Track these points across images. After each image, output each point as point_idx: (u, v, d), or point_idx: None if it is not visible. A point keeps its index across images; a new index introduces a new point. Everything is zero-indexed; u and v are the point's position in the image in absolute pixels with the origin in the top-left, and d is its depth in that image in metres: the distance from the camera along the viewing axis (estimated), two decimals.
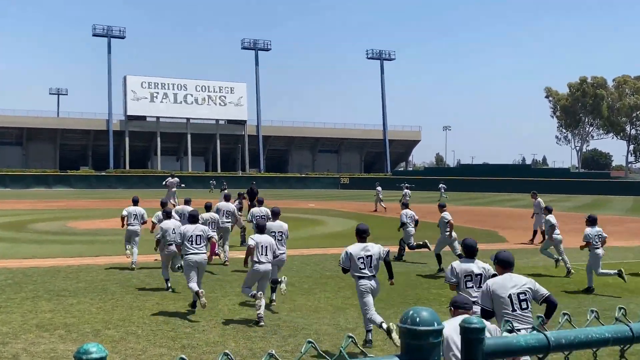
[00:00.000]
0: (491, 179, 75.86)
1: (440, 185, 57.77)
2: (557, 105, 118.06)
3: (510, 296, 6.03)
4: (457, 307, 5.40)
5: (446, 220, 15.56)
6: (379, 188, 40.22)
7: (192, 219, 11.44)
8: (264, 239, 10.42)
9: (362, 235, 9.06)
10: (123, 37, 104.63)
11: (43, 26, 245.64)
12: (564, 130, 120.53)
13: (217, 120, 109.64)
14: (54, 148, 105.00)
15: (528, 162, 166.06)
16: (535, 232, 22.10)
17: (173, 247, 12.42)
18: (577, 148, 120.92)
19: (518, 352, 1.76)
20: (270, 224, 11.86)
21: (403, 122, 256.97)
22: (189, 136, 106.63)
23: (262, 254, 10.23)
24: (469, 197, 57.99)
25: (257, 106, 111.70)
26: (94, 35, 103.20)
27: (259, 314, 9.78)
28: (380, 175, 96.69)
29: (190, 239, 10.90)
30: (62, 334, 9.16)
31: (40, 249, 18.58)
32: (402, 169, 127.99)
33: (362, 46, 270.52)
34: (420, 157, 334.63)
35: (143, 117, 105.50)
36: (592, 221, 13.28)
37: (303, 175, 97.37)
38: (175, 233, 12.63)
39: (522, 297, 6.04)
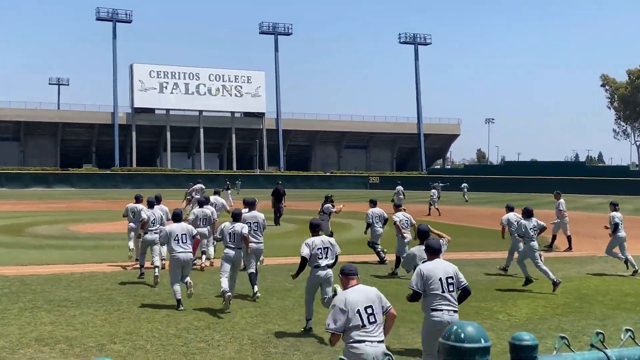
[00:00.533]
0: (540, 178, 75.03)
1: (463, 184, 57.57)
2: (615, 94, 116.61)
3: (440, 279, 7.52)
4: (346, 274, 6.75)
5: (393, 222, 16.58)
6: (400, 187, 40.80)
7: (176, 217, 12.87)
8: (232, 226, 12.44)
9: (315, 229, 10.80)
10: (129, 22, 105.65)
11: (41, 9, 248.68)
12: (622, 123, 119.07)
13: (232, 113, 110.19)
14: (54, 144, 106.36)
15: (582, 159, 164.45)
16: (554, 237, 21.85)
17: (149, 235, 15.10)
18: (638, 143, 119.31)
19: None
20: (244, 215, 13.44)
21: (440, 115, 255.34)
22: (201, 130, 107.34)
23: (230, 241, 12.30)
24: (514, 199, 57.44)
25: (277, 97, 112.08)
26: (98, 19, 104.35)
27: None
28: (414, 174, 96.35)
29: (177, 238, 12.30)
30: (64, 349, 9.27)
31: (39, 255, 18.83)
32: (438, 166, 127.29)
33: (394, 29, 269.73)
34: (460, 154, 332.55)
35: (151, 110, 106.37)
36: (528, 213, 14.90)
37: (327, 174, 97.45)
38: (154, 224, 15.24)
39: (449, 280, 7.56)
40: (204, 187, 32.87)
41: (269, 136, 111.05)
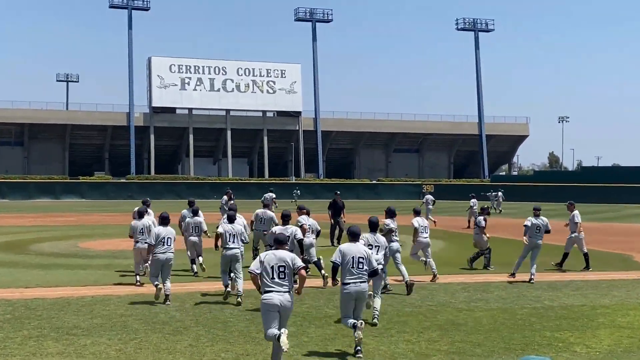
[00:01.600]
0: (623, 185, 74.01)
1: (499, 192, 57.10)
2: None
3: (352, 257, 11.18)
4: (279, 242, 10.43)
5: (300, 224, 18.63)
6: (429, 196, 41.40)
7: (164, 220, 15.68)
8: (232, 227, 15.66)
9: (285, 219, 16.35)
10: (147, 9, 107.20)
11: None
12: None
13: (264, 112, 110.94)
14: (61, 149, 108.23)
15: None
16: (566, 255, 21.41)
17: (140, 244, 17.59)
18: None
19: None
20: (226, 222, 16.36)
21: (505, 112, 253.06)
22: (228, 133, 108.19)
23: (230, 241, 15.47)
24: (593, 210, 56.72)
25: (315, 93, 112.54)
26: (112, 6, 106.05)
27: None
28: (474, 182, 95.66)
29: (162, 240, 15.21)
30: None
31: (45, 276, 19.11)
32: (504, 172, 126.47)
33: (451, 14, 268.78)
34: (529, 158, 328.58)
35: (172, 109, 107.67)
36: (390, 213, 17.07)
37: (374, 182, 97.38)
38: (142, 233, 17.67)
39: (360, 260, 11.21)
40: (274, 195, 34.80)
41: (306, 138, 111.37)
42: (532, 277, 18.48)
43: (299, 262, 10.10)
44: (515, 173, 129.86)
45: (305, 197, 73.27)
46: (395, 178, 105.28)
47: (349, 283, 11.03)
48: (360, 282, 11.09)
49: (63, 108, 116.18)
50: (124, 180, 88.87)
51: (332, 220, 28.24)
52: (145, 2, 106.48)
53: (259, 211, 21.14)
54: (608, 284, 18.25)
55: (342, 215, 28.46)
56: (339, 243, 26.60)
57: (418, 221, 18.72)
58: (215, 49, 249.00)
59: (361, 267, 11.13)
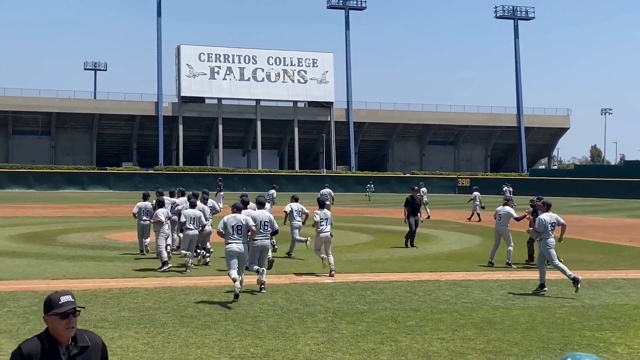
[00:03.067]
0: None
1: (504, 187, 57.02)
2: None
3: (260, 222, 15.56)
4: (236, 208, 15.25)
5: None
6: (424, 189, 43.22)
7: (161, 204, 20.22)
8: (193, 212, 19.66)
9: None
10: None
11: None
12: None
13: (295, 103, 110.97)
14: (89, 138, 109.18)
15: None
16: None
17: (144, 222, 22.05)
18: None
19: None
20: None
21: (545, 104, 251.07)
22: (258, 123, 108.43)
23: (190, 224, 19.51)
24: (636, 206, 56.08)
25: (348, 83, 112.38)
26: None
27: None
28: (512, 176, 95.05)
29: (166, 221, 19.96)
30: None
31: (72, 267, 19.35)
32: (543, 166, 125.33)
33: (489, 1, 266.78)
34: (569, 152, 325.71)
35: (201, 99, 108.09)
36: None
37: (407, 175, 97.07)
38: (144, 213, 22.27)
39: (265, 223, 15.74)
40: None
41: (337, 130, 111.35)
42: (509, 261, 20.97)
43: (251, 222, 14.95)
44: (555, 167, 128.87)
45: (335, 189, 73.14)
46: (429, 171, 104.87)
47: (256, 240, 15.38)
48: (265, 238, 15.84)
49: (91, 97, 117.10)
50: (152, 172, 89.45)
51: (407, 220, 25.66)
52: None
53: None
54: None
55: (419, 213, 26.35)
56: (412, 245, 25.42)
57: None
58: (246, 37, 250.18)
59: (266, 227, 15.81)
